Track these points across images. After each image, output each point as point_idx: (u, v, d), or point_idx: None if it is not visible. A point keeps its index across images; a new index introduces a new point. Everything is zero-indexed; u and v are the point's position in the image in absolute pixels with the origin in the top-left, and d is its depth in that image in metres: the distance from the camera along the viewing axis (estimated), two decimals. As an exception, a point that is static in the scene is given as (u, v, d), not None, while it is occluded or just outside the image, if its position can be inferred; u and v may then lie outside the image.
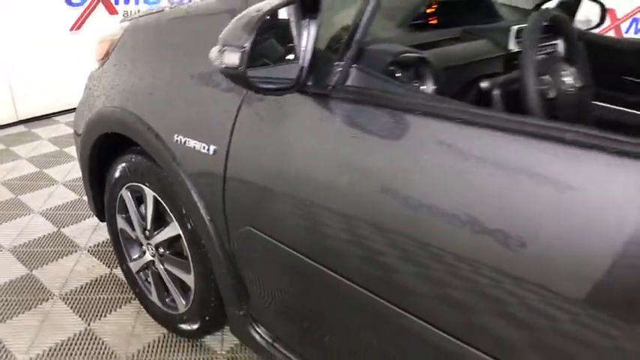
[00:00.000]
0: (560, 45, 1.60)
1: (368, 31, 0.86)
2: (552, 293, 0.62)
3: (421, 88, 0.99)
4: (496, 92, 1.07)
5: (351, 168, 0.85)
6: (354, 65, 0.88)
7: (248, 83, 0.76)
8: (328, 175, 0.88)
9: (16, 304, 1.63)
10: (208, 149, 1.07)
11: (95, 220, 2.05)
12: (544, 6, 2.02)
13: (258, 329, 1.19)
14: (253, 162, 1.00)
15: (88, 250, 1.93)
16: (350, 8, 0.89)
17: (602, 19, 2.05)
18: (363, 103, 0.85)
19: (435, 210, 0.73)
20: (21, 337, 1.50)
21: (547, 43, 1.29)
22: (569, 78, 1.06)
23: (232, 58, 0.71)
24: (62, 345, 1.48)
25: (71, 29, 3.17)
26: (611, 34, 4.36)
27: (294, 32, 0.83)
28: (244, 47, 0.70)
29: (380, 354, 0.92)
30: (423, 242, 0.74)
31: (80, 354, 1.45)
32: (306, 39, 0.82)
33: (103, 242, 1.96)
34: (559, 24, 1.23)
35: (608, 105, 1.95)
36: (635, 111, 1.90)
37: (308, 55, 0.82)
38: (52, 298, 1.67)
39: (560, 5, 2.02)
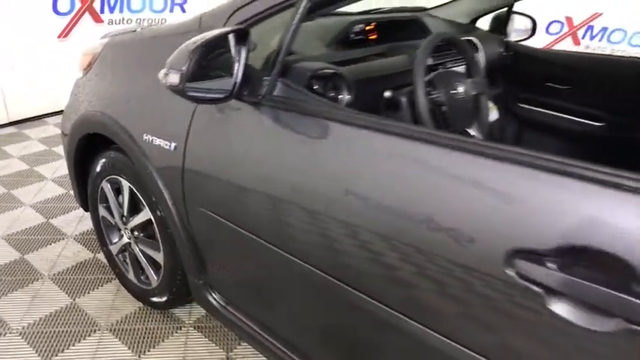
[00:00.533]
0: (480, 57, 1.88)
1: (288, 53, 1.11)
2: (452, 264, 0.80)
3: (338, 97, 1.25)
4: (404, 100, 1.32)
5: (276, 161, 1.10)
6: (280, 79, 1.13)
7: (187, 96, 1.00)
8: (258, 167, 1.13)
9: (10, 283, 1.86)
10: (170, 146, 1.32)
11: (80, 211, 2.29)
12: (478, 22, 2.30)
13: (214, 295, 1.44)
14: (204, 156, 1.25)
15: (74, 238, 2.17)
16: (277, 36, 1.15)
17: (533, 32, 2.33)
18: (286, 110, 1.10)
19: (337, 191, 0.97)
20: (15, 310, 1.73)
21: (452, 59, 1.56)
22: (461, 88, 1.32)
23: (174, 79, 0.96)
24: (50, 316, 1.71)
25: (59, 36, 3.40)
26: (569, 40, 4.68)
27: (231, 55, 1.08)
28: (182, 70, 0.95)
29: (311, 312, 1.17)
30: (336, 219, 0.97)
31: (66, 323, 1.69)
32: (239, 61, 1.07)
33: (88, 231, 2.20)
34: (455, 44, 1.49)
35: (533, 107, 2.23)
36: (554, 112, 2.18)
37: (240, 73, 1.07)
38: (41, 279, 1.90)
39: (493, 20, 2.30)
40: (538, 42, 4.80)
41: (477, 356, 0.82)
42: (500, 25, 2.23)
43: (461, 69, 1.72)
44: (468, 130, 1.40)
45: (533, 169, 0.75)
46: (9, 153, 2.98)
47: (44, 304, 1.77)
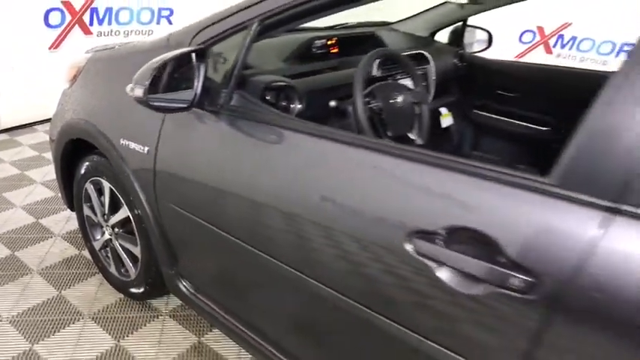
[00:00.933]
0: (431, 69, 2.06)
1: (246, 68, 1.29)
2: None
3: (290, 106, 1.43)
4: (349, 108, 1.50)
5: (233, 162, 1.27)
6: (237, 91, 1.30)
7: (150, 106, 1.18)
8: (218, 168, 1.30)
9: (1, 277, 2.01)
10: (143, 149, 1.49)
11: (68, 212, 2.45)
12: (436, 35, 2.49)
13: (184, 283, 1.61)
14: (172, 158, 1.42)
15: (62, 236, 2.32)
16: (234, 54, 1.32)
17: (489, 44, 2.52)
18: (241, 118, 1.27)
19: (284, 188, 1.14)
20: (6, 301, 1.89)
21: (401, 71, 1.74)
22: (400, 98, 1.50)
23: (139, 92, 1.13)
24: (38, 306, 1.87)
25: (50, 48, 3.56)
26: (541, 49, 4.89)
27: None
28: (145, 85, 1.12)
29: (270, 298, 1.33)
30: (283, 212, 1.13)
31: (53, 312, 1.85)
32: (198, 76, 1.24)
33: (74, 230, 2.35)
34: (394, 59, 1.67)
35: (486, 114, 2.42)
36: (506, 118, 2.37)
37: (199, 86, 1.24)
38: (30, 273, 2.06)
39: (451, 33, 2.49)
40: (512, 51, 5.03)
41: (386, 319, 1.00)
42: (457, 38, 2.42)
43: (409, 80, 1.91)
44: (409, 135, 1.58)
45: (430, 166, 0.93)
46: (1, 158, 3.13)
47: (32, 295, 1.93)
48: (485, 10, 2.22)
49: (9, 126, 3.57)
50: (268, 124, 1.22)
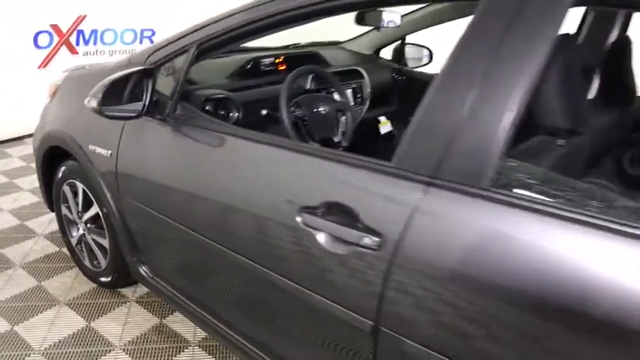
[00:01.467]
0: (366, 83, 2.34)
1: (190, 83, 1.56)
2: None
3: (229, 115, 1.70)
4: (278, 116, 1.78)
5: (177, 162, 1.54)
6: (181, 102, 1.57)
7: (104, 115, 1.45)
8: (166, 166, 1.57)
9: (-13, 271, 2.26)
10: (107, 153, 1.75)
11: (51, 215, 2.70)
12: (381, 52, 2.78)
13: (144, 268, 1.86)
14: (130, 159, 1.68)
15: (44, 236, 2.58)
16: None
17: (430, 59, 2.81)
18: (184, 125, 1.54)
19: (220, 182, 1.41)
20: (-10, 291, 2.14)
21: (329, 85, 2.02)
22: (322, 107, 1.78)
23: (93, 103, 1.41)
24: (19, 294, 2.12)
25: (39, 67, 3.85)
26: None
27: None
28: (99, 97, 1.40)
29: (216, 278, 1.59)
30: (219, 202, 1.39)
31: (32, 299, 2.09)
32: (146, 90, 1.52)
33: (55, 230, 2.60)
34: (319, 75, 1.95)
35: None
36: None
37: (147, 99, 1.52)
38: (14, 267, 2.30)
39: (393, 51, 2.79)
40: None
41: (282, 278, 1.25)
42: (398, 54, 2.71)
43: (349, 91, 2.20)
44: (333, 138, 1.85)
45: (316, 158, 1.20)
46: (-9, 169, 3.40)
47: (15, 285, 2.17)
48: (418, 30, 2.51)
49: (0, 139, 3.84)
50: (205, 129, 1.49)
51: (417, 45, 2.76)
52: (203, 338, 1.93)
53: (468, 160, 0.98)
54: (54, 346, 1.85)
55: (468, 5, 1.89)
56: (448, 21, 2.41)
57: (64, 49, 3.93)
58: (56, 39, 3.87)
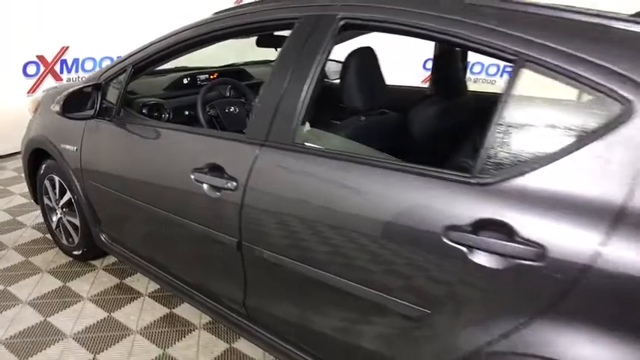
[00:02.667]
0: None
1: (132, 94, 2.17)
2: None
3: (161, 116, 2.30)
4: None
5: (121, 151, 2.13)
6: (124, 107, 2.17)
7: (66, 116, 2.04)
8: (113, 155, 2.16)
9: (-15, 252, 2.83)
10: (73, 148, 2.35)
11: (37, 212, 3.27)
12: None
13: (104, 236, 2.43)
14: (89, 151, 2.27)
15: (32, 227, 3.15)
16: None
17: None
18: (126, 124, 2.14)
19: (152, 165, 2.00)
20: (-12, 265, 2.71)
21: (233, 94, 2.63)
22: (233, 108, 2.38)
23: (57, 108, 2.01)
24: (11, 266, 2.68)
25: (28, 92, 4.47)
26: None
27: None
28: (60, 103, 2.00)
29: (159, 238, 2.16)
30: (154, 180, 1.98)
31: (20, 270, 2.66)
32: (96, 99, 2.12)
33: (41, 222, 3.17)
34: (232, 85, 2.56)
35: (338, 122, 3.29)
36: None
37: (97, 105, 2.11)
38: (7, 249, 2.87)
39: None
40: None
41: (186, 220, 1.84)
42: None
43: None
44: (243, 130, 2.45)
45: (205, 136, 1.80)
46: (-11, 180, 3.99)
47: (8, 261, 2.74)
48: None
49: (-3, 154, 4.45)
50: (139, 125, 2.08)
51: (337, 61, 3.37)
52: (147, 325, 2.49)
53: (282, 128, 1.57)
54: (39, 297, 2.42)
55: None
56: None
57: (49, 77, 4.55)
58: (42, 68, 4.50)
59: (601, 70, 1.10)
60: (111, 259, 2.77)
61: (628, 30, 1.15)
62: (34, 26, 4.26)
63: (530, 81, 1.23)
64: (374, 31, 1.58)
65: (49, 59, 4.53)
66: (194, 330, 2.23)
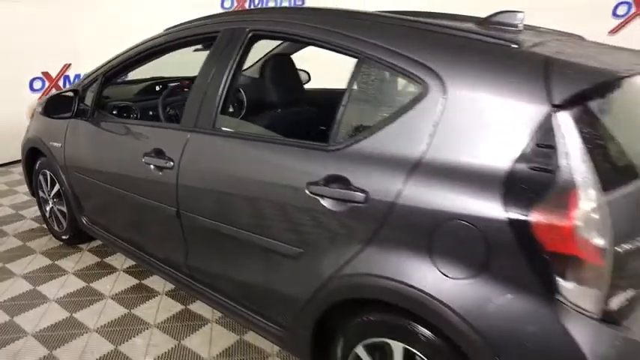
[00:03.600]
0: (242, 96, 3.38)
1: (105, 97, 2.62)
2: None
3: (130, 116, 2.74)
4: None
5: (95, 145, 2.57)
6: (98, 109, 2.62)
7: (49, 116, 2.50)
8: (90, 148, 2.61)
9: (-10, 239, 3.30)
10: (59, 145, 2.80)
11: (36, 207, 3.74)
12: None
13: (84, 219, 2.87)
14: (70, 146, 2.72)
15: (31, 219, 3.62)
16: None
17: (309, 79, 3.83)
18: (99, 122, 2.58)
19: (116, 154, 2.44)
20: (-9, 248, 3.16)
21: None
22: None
23: (39, 109, 2.46)
24: (10, 249, 3.14)
25: (35, 105, 4.99)
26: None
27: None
28: (43, 105, 2.45)
29: (122, 212, 2.59)
30: (118, 162, 2.42)
31: (19, 252, 3.11)
32: (74, 102, 2.57)
33: (38, 216, 3.64)
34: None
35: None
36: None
37: (75, 107, 2.56)
38: (7, 236, 3.33)
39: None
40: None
41: (142, 197, 2.26)
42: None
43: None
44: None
45: (153, 128, 2.23)
46: (-1, 183, 4.50)
47: (7, 245, 3.20)
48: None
49: (4, 162, 4.96)
50: (109, 123, 2.53)
51: (300, 69, 3.80)
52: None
53: (206, 117, 1.98)
54: (32, 272, 2.86)
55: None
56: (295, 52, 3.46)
57: (53, 90, 5.08)
58: (47, 83, 5.03)
59: (410, 61, 1.49)
60: (95, 243, 3.21)
61: (435, 31, 1.54)
62: (40, 46, 4.79)
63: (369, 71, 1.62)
64: (272, 39, 2.00)
65: (53, 75, 5.06)
66: (157, 296, 2.63)
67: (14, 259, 3.03)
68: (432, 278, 1.36)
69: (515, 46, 1.40)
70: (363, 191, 1.48)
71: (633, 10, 4.66)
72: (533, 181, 1.24)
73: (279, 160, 1.74)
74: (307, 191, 1.59)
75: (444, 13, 2.08)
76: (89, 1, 5.06)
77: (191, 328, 2.36)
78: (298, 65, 3.71)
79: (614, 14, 4.75)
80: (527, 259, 1.23)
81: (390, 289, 1.43)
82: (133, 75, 3.01)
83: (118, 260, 3.01)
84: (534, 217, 1.21)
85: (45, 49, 4.85)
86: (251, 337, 2.28)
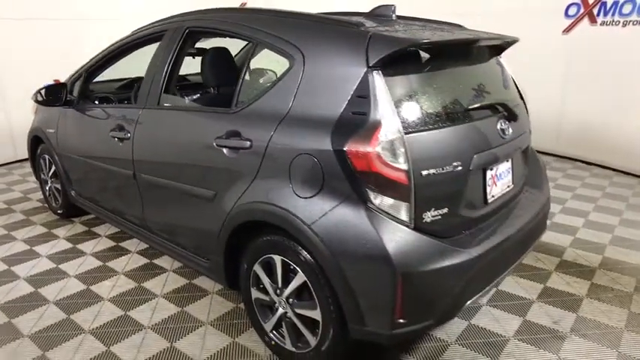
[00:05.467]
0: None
1: (90, 91, 3.19)
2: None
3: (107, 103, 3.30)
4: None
5: (79, 127, 3.13)
6: (83, 99, 3.19)
7: (42, 103, 3.07)
8: (75, 130, 3.17)
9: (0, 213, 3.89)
10: (53, 130, 3.38)
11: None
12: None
13: (73, 192, 3.42)
14: (61, 130, 3.29)
15: (37, 200, 4.21)
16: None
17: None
18: (83, 109, 3.14)
19: (96, 131, 2.99)
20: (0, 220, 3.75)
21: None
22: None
23: (33, 98, 3.04)
24: (16, 222, 3.71)
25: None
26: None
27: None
28: (38, 94, 3.02)
29: (102, 184, 3.13)
30: (97, 139, 2.97)
31: (20, 225, 3.68)
32: (64, 93, 3.13)
33: (42, 198, 4.22)
34: None
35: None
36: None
37: (64, 97, 3.13)
38: (13, 212, 3.92)
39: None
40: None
41: (110, 166, 2.80)
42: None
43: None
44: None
45: (120, 108, 2.77)
46: (15, 174, 5.13)
47: (13, 219, 3.78)
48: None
49: (20, 158, 5.62)
50: (91, 109, 3.08)
51: (264, 69, 4.32)
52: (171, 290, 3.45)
53: (153, 96, 2.51)
54: (30, 237, 3.43)
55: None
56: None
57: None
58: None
59: (284, 42, 1.98)
60: (87, 217, 3.76)
61: (305, 20, 2.03)
62: (53, 58, 5.44)
63: (265, 54, 2.12)
64: (202, 34, 2.51)
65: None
66: (130, 253, 3.15)
67: (17, 228, 3.60)
68: (290, 199, 1.82)
69: (355, 27, 1.86)
70: (249, 140, 1.96)
71: (582, 10, 5.03)
72: (352, 122, 1.70)
73: (199, 123, 2.25)
74: (215, 144, 2.09)
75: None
76: (98, 18, 5.74)
77: (150, 275, 2.86)
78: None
79: (567, 15, 5.13)
80: (347, 178, 1.69)
81: (267, 210, 1.90)
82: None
83: (103, 229, 3.55)
84: (348, 147, 1.67)
85: (57, 60, 5.53)
86: (243, 339, 2.76)
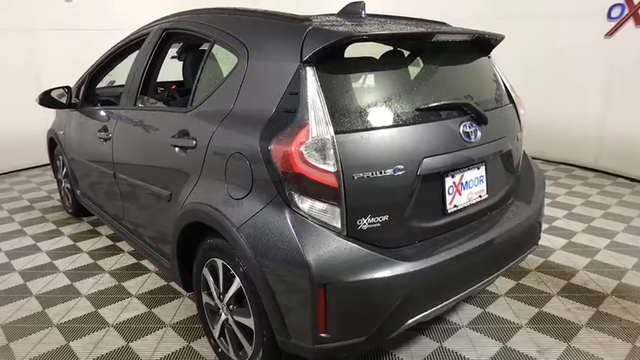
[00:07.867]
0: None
1: (92, 95, 3.31)
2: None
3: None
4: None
5: (82, 129, 3.25)
6: (85, 102, 3.31)
7: (45, 105, 3.21)
8: (80, 132, 3.29)
9: (11, 199, 4.12)
10: (63, 132, 3.53)
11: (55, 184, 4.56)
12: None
13: (80, 192, 3.54)
14: (69, 132, 3.43)
15: (57, 199, 4.42)
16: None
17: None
18: (86, 111, 3.26)
19: (94, 133, 3.10)
20: (12, 204, 3.96)
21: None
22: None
23: (37, 100, 3.19)
24: (30, 219, 3.91)
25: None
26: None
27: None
28: (41, 97, 3.17)
29: (100, 186, 3.23)
30: (96, 147, 3.07)
31: (35, 222, 3.87)
32: (69, 96, 3.27)
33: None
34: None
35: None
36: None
37: (68, 99, 3.26)
38: (33, 210, 4.14)
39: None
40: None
41: (105, 169, 2.87)
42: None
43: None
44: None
45: (115, 110, 2.84)
46: (47, 175, 5.45)
47: (31, 216, 3.98)
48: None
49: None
50: (94, 111, 3.19)
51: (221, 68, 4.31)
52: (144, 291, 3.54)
53: (130, 98, 2.54)
54: (38, 233, 3.59)
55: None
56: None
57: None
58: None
59: (232, 38, 1.93)
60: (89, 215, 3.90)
61: (255, 17, 1.96)
62: (61, 68, 5.74)
63: (223, 52, 2.07)
64: (175, 35, 2.51)
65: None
66: (121, 253, 3.21)
67: (30, 224, 3.79)
68: (224, 201, 1.75)
69: (299, 22, 1.76)
70: (194, 139, 1.92)
71: (627, 11, 4.59)
72: (280, 120, 1.61)
73: (160, 123, 2.25)
74: (169, 143, 2.06)
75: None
76: (104, 32, 5.98)
77: (133, 275, 2.88)
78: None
79: (609, 17, 4.71)
80: (272, 179, 1.59)
81: (204, 211, 1.84)
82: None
83: (105, 228, 3.65)
84: (273, 145, 1.57)
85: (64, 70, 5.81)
86: (198, 344, 2.75)
